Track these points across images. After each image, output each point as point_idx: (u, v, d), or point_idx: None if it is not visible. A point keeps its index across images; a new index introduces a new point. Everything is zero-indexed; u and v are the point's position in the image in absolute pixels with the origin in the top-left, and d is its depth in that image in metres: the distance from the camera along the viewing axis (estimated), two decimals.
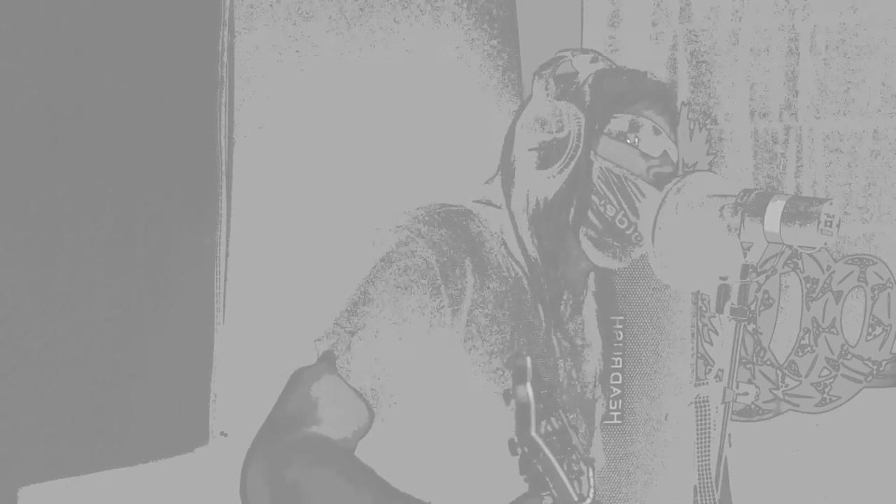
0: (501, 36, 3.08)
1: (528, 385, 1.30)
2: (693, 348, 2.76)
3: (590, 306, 2.00)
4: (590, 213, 1.86)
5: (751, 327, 2.87)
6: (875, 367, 2.77)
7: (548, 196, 1.84)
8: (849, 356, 2.80)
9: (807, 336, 2.84)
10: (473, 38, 2.97)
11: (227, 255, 2.48)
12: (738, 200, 1.92)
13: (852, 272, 2.79)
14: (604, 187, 1.85)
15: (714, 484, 2.12)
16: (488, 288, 1.77)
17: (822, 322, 2.82)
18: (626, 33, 3.09)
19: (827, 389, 2.82)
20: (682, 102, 3.01)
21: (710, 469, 2.12)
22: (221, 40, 2.44)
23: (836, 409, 2.82)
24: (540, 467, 1.33)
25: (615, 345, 2.64)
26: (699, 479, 2.19)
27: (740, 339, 2.03)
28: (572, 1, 3.13)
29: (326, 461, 1.59)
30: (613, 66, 1.95)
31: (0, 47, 2.06)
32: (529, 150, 1.85)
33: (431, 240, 1.77)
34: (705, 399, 2.15)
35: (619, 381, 2.64)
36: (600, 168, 1.84)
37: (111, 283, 2.27)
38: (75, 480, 2.22)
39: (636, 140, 1.88)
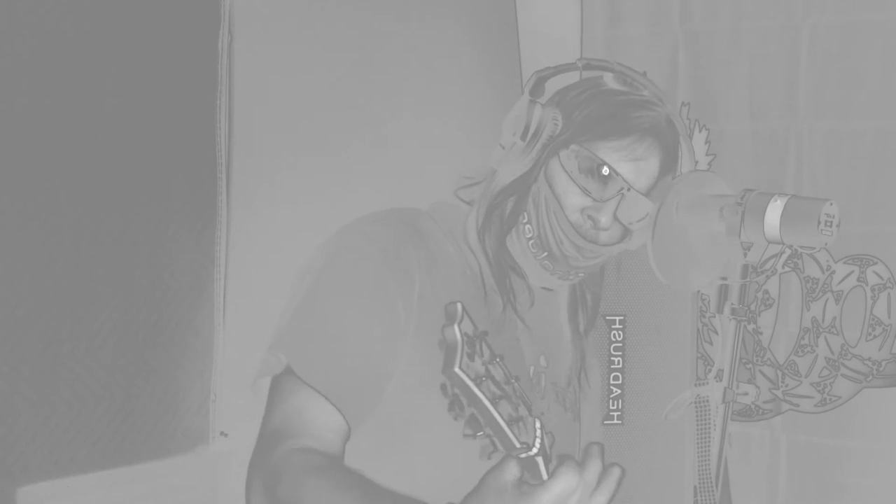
0: (501, 36, 3.08)
1: (456, 326, 1.30)
2: (693, 348, 2.76)
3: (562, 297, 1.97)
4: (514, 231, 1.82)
5: (751, 327, 2.87)
6: (875, 367, 2.77)
7: (500, 187, 1.83)
8: (849, 356, 2.79)
9: (807, 336, 2.84)
10: (474, 38, 2.97)
11: (227, 255, 2.48)
12: (739, 200, 1.92)
13: (852, 272, 2.79)
14: (532, 207, 1.81)
15: (714, 484, 2.12)
16: (437, 283, 1.75)
17: (822, 322, 2.82)
18: (625, 33, 3.09)
19: (827, 389, 2.82)
20: (683, 103, 3.01)
21: (710, 469, 2.12)
22: (221, 40, 2.44)
23: (836, 409, 2.82)
24: (474, 410, 1.32)
25: (615, 345, 2.65)
26: (699, 479, 2.19)
27: (740, 339, 2.03)
28: (572, 1, 3.13)
29: (310, 471, 1.59)
30: (631, 89, 1.85)
31: (0, 47, 2.06)
32: (500, 145, 1.84)
33: (375, 237, 1.77)
34: (705, 399, 2.15)
35: (620, 381, 2.64)
36: (537, 188, 1.81)
37: (111, 283, 2.27)
38: (75, 480, 2.22)
39: (603, 171, 1.79)
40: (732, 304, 2.00)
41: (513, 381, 1.36)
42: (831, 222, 1.88)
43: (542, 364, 1.90)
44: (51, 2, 2.13)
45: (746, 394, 2.16)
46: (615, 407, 2.63)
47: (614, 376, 2.63)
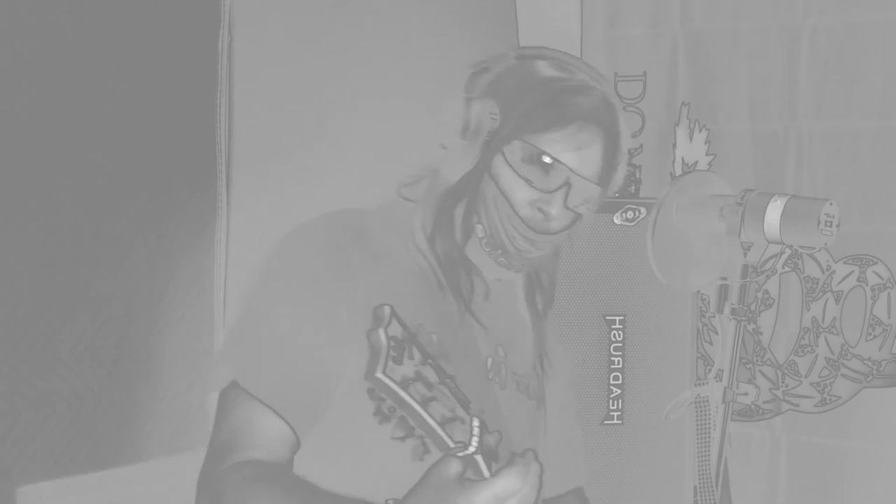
0: (501, 36, 3.08)
1: (381, 330, 1.30)
2: (693, 348, 2.77)
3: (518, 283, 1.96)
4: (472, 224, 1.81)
5: (751, 327, 2.87)
6: (875, 367, 2.77)
7: (445, 188, 1.82)
8: (849, 356, 2.80)
9: (807, 336, 2.84)
10: (474, 38, 2.97)
11: (227, 255, 2.48)
12: (739, 200, 1.93)
13: (852, 272, 2.79)
14: (481, 207, 1.80)
15: (714, 484, 2.12)
16: (385, 285, 1.72)
17: (822, 322, 2.82)
18: (625, 33, 3.09)
19: (827, 389, 2.82)
20: (683, 103, 3.01)
21: (710, 469, 2.12)
22: (221, 40, 2.44)
23: (836, 409, 2.82)
24: (404, 413, 1.32)
25: (615, 345, 2.65)
26: (699, 479, 2.19)
27: (740, 339, 2.03)
28: (572, 1, 3.13)
29: (253, 481, 1.59)
30: (566, 74, 1.81)
31: (0, 47, 2.06)
32: (441, 145, 1.83)
33: (317, 243, 1.76)
34: (705, 399, 2.15)
35: (620, 381, 2.64)
36: (484, 187, 1.80)
37: (111, 283, 2.27)
38: (75, 480, 2.22)
39: (545, 161, 1.78)
40: (732, 304, 2.00)
41: (447, 381, 1.36)
42: (831, 222, 1.88)
43: (500, 354, 1.89)
44: (51, 2, 2.14)
45: (746, 394, 2.16)
46: (615, 407, 2.62)
47: (614, 376, 2.63)
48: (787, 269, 2.86)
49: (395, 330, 1.31)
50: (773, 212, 1.88)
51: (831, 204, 1.87)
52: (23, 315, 2.12)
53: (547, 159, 1.76)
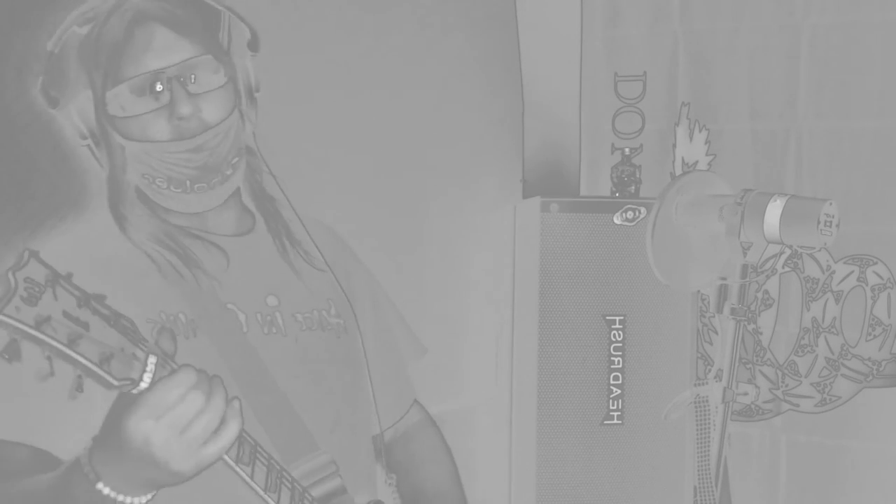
0: (501, 35, 3.08)
1: (9, 272, 1.33)
2: (693, 348, 2.77)
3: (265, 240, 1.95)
4: (150, 186, 1.78)
5: (751, 327, 2.87)
6: (875, 367, 2.77)
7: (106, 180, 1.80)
8: (849, 356, 2.79)
9: (807, 336, 2.84)
10: (473, 37, 2.97)
11: None
12: (738, 200, 1.93)
13: (852, 272, 2.79)
14: (142, 166, 1.78)
15: (714, 484, 2.12)
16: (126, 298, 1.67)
17: (822, 322, 2.82)
18: (625, 33, 3.09)
19: (827, 389, 2.82)
20: (683, 103, 3.01)
21: (709, 469, 2.12)
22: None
23: (836, 409, 2.82)
24: (49, 352, 1.35)
25: (615, 345, 2.64)
26: (699, 479, 2.19)
27: (740, 339, 2.03)
28: (572, 1, 3.13)
29: None
30: (95, 21, 1.82)
31: (0, 48, 2.06)
32: (83, 144, 1.82)
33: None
34: (705, 399, 2.15)
35: (620, 381, 2.64)
36: (123, 157, 1.79)
37: None
38: None
39: (158, 90, 1.78)
40: (732, 304, 2.01)
41: (114, 320, 1.38)
42: (831, 222, 1.88)
43: (271, 304, 1.87)
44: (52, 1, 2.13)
45: (746, 394, 2.16)
46: (615, 407, 2.63)
47: (614, 376, 2.63)
48: (787, 269, 2.86)
49: (34, 271, 1.33)
50: (773, 212, 1.88)
51: (831, 204, 1.87)
52: None
53: (158, 86, 1.75)
